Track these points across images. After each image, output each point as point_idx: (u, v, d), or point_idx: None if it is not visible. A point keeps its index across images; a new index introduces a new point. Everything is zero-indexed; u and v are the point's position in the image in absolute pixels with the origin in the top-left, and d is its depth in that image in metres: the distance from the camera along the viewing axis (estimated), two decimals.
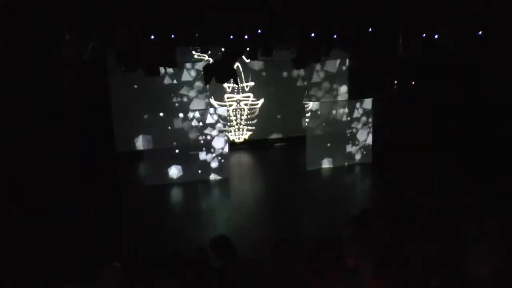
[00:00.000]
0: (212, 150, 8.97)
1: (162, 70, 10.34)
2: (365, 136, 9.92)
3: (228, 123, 11.29)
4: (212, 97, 11.20)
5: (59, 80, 7.90)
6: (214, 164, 9.01)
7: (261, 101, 11.76)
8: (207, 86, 10.85)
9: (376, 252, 3.39)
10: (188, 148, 8.80)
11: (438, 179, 8.14)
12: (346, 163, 9.76)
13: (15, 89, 8.11)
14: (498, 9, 7.78)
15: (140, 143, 8.46)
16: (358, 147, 9.93)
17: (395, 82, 11.46)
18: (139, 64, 8.04)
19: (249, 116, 11.76)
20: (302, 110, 9.53)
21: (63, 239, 5.90)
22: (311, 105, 9.54)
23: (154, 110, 9.11)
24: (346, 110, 9.70)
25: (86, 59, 7.17)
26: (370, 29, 8.35)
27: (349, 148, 9.84)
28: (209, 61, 10.35)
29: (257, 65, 11.58)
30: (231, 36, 7.78)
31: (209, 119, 8.94)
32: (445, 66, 9.81)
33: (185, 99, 11.04)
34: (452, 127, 10.18)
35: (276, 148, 11.83)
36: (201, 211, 7.46)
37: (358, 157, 9.94)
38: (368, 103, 9.80)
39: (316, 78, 12.21)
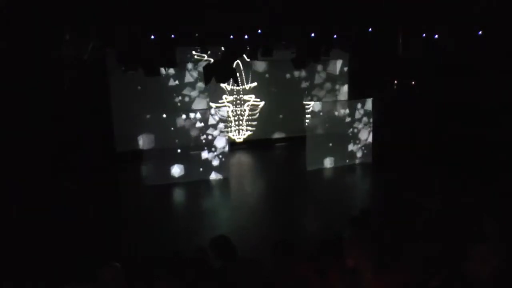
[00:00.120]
0: (213, 149, 8.97)
1: (163, 71, 10.41)
2: (365, 136, 9.92)
3: (228, 124, 11.30)
4: (208, 98, 11.20)
5: (59, 80, 7.90)
6: (214, 164, 9.01)
7: (262, 102, 11.76)
8: (208, 87, 10.88)
9: (376, 252, 3.39)
10: (188, 148, 8.79)
11: (438, 179, 8.14)
12: (346, 163, 9.76)
13: (15, 89, 8.13)
14: (498, 9, 7.78)
15: (142, 142, 8.44)
16: (358, 147, 9.92)
17: (395, 82, 11.48)
18: (139, 64, 8.04)
19: (249, 117, 11.76)
20: (303, 110, 9.52)
21: (63, 239, 5.90)
22: (312, 105, 9.54)
23: (155, 110, 9.11)
24: (346, 110, 9.69)
25: (86, 59, 7.16)
26: (370, 29, 8.35)
27: (349, 148, 9.84)
28: (209, 61, 10.35)
29: (261, 67, 11.59)
30: (231, 36, 7.78)
31: (210, 119, 8.94)
32: (445, 66, 9.82)
33: (186, 99, 11.04)
34: (452, 127, 10.19)
35: (277, 147, 11.83)
36: (201, 211, 7.45)
37: (358, 157, 9.93)
38: (368, 103, 9.80)
39: (318, 79, 12.21)
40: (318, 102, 9.67)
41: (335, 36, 8.39)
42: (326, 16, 7.67)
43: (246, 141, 11.76)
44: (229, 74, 8.31)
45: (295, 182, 8.90)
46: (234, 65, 8.48)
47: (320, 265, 3.28)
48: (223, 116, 9.05)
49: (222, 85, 11.19)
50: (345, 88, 12.44)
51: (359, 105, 9.79)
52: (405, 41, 8.64)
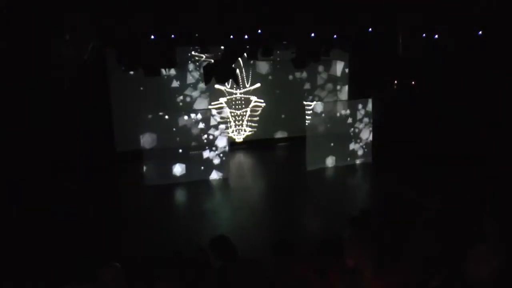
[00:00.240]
0: (214, 149, 8.97)
1: (165, 72, 10.42)
2: (365, 136, 9.92)
3: (228, 124, 11.30)
4: (209, 98, 11.20)
5: (59, 80, 7.90)
6: (215, 164, 9.01)
7: (263, 104, 11.78)
8: (208, 87, 10.90)
9: (376, 252, 3.39)
10: (189, 148, 8.79)
11: (438, 179, 8.14)
12: (346, 163, 9.76)
13: (15, 89, 8.13)
14: (498, 9, 7.78)
15: (144, 140, 8.44)
16: (358, 147, 9.92)
17: (395, 82, 11.47)
18: (139, 64, 8.04)
19: (250, 118, 11.77)
20: (304, 110, 9.52)
21: (63, 239, 5.90)
22: (312, 105, 9.54)
23: (155, 109, 9.10)
24: (346, 110, 9.69)
25: (86, 59, 7.16)
26: (370, 29, 8.35)
27: (349, 148, 9.84)
28: (209, 61, 10.35)
29: (264, 68, 11.60)
30: (231, 36, 7.78)
31: (211, 119, 8.96)
32: (445, 66, 9.81)
33: (188, 99, 11.04)
34: (452, 127, 10.18)
35: (278, 147, 11.82)
36: (201, 211, 7.45)
37: (358, 157, 9.93)
38: (368, 103, 9.80)
39: (319, 80, 12.22)
40: (319, 103, 9.66)
41: (335, 36, 8.39)
42: (326, 16, 7.67)
43: (247, 141, 11.76)
44: (229, 74, 8.31)
45: (295, 182, 8.90)
46: (234, 65, 8.49)
47: (320, 265, 3.28)
48: (224, 118, 9.06)
49: (222, 87, 11.20)
50: (346, 88, 12.44)
51: (359, 105, 9.79)
52: (405, 41, 8.64)
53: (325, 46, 8.54)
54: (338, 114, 9.66)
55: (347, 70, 12.31)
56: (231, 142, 11.19)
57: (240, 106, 11.61)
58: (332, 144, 9.62)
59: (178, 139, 8.71)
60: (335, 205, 7.40)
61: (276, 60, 11.40)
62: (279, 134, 12.08)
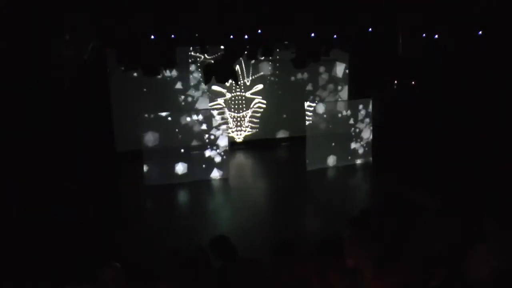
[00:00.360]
0: (213, 149, 8.97)
1: (167, 73, 10.45)
2: (365, 136, 9.92)
3: (229, 124, 11.31)
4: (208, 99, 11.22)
5: (59, 80, 7.90)
6: (214, 164, 9.01)
7: (265, 105, 11.80)
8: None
9: (376, 252, 3.39)
10: (189, 147, 8.80)
11: (438, 179, 8.14)
12: (346, 163, 9.76)
13: (15, 89, 8.12)
14: (498, 9, 7.78)
15: (147, 139, 8.45)
16: (358, 147, 9.93)
17: (395, 82, 11.47)
18: (139, 64, 8.04)
19: (251, 119, 11.77)
20: (303, 110, 9.52)
21: (63, 239, 5.90)
22: (312, 105, 9.55)
23: (156, 109, 9.11)
24: (347, 110, 9.70)
25: (86, 59, 7.16)
26: (370, 29, 8.35)
27: (349, 148, 9.84)
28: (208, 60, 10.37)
29: (266, 70, 11.62)
30: (231, 36, 7.78)
31: (212, 119, 8.98)
32: (445, 66, 9.81)
33: (189, 99, 11.04)
34: (452, 127, 10.18)
35: (278, 147, 11.81)
36: (201, 211, 7.46)
37: (358, 157, 9.93)
38: (368, 103, 9.80)
39: (320, 81, 12.22)
40: (321, 104, 9.64)
41: (335, 36, 8.38)
42: (326, 16, 7.67)
43: (247, 141, 11.77)
44: (229, 74, 8.30)
45: (295, 182, 8.90)
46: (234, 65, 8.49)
47: (320, 265, 3.28)
48: (225, 118, 9.08)
49: (220, 89, 11.21)
50: (346, 88, 12.45)
51: (359, 105, 9.79)
52: (405, 41, 8.64)
53: (325, 46, 8.54)
54: (338, 114, 9.66)
55: (347, 71, 12.32)
56: (232, 142, 11.20)
57: (241, 106, 11.61)
58: (332, 144, 9.62)
59: (179, 138, 8.72)
60: (335, 205, 7.40)
61: (276, 60, 11.41)
62: (281, 134, 12.09)
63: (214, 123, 8.93)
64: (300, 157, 9.46)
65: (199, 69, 10.73)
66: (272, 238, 3.77)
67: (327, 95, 12.25)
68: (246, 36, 7.89)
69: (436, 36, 8.78)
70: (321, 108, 9.44)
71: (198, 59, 10.80)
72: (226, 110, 10.61)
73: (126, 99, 10.15)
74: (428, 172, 8.66)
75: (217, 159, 8.99)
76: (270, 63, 11.53)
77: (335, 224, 5.78)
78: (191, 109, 10.52)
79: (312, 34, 8.08)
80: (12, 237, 5.92)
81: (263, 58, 9.29)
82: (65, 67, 7.61)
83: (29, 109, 8.51)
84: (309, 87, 12.11)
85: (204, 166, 8.92)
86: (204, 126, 8.86)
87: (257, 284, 3.25)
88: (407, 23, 8.32)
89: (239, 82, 11.17)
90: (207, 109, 10.23)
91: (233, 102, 11.56)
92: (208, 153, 8.94)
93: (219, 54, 9.63)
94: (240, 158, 11.03)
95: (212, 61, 9.89)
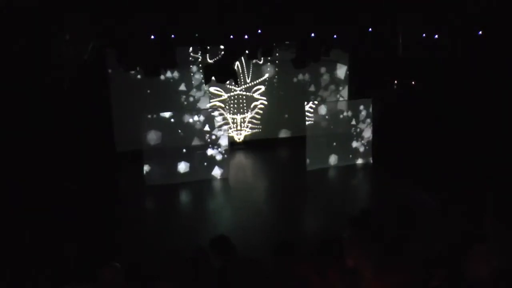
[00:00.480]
0: (213, 149, 8.97)
1: (169, 73, 10.46)
2: (365, 136, 9.92)
3: (229, 125, 11.32)
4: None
5: (59, 80, 7.90)
6: (214, 164, 9.01)
7: (262, 105, 11.82)
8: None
9: (376, 252, 3.39)
10: (190, 147, 8.80)
11: (438, 179, 8.14)
12: (346, 163, 9.75)
13: (15, 89, 8.13)
14: (498, 9, 7.78)
15: (150, 137, 8.46)
16: (358, 147, 9.92)
17: (395, 82, 11.46)
18: (139, 64, 8.05)
19: (252, 120, 11.79)
20: (303, 110, 9.52)
21: (63, 239, 5.90)
22: (312, 105, 9.55)
23: (155, 109, 9.11)
24: (347, 110, 9.70)
25: (86, 59, 7.17)
26: (370, 29, 8.35)
27: (349, 148, 9.84)
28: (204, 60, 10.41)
29: (269, 72, 11.65)
30: (231, 36, 7.78)
31: (212, 119, 8.98)
32: (445, 66, 9.81)
33: (191, 99, 11.04)
34: (452, 127, 10.18)
35: (278, 147, 11.79)
36: (202, 211, 7.46)
37: (358, 157, 9.93)
38: (368, 103, 9.80)
39: (322, 81, 12.24)
40: (323, 105, 9.63)
41: (335, 36, 8.38)
42: (326, 16, 7.67)
43: (248, 140, 11.77)
44: (229, 74, 8.31)
45: (295, 182, 8.90)
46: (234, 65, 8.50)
47: (320, 265, 3.28)
48: (225, 119, 9.10)
49: (219, 92, 11.22)
50: (346, 88, 12.46)
51: (359, 105, 9.79)
52: (405, 41, 8.64)
53: (325, 46, 8.54)
54: (338, 114, 9.66)
55: (348, 73, 12.34)
56: (232, 142, 11.21)
57: (241, 107, 11.61)
58: (333, 144, 9.62)
59: (180, 138, 8.72)
60: (335, 205, 7.40)
61: (278, 61, 11.44)
62: (282, 134, 12.10)
63: (216, 124, 8.94)
64: (301, 157, 9.45)
65: (201, 70, 10.74)
66: (272, 238, 3.78)
67: (329, 95, 12.26)
68: (246, 36, 7.89)
69: (436, 36, 8.78)
70: (323, 110, 9.45)
71: (198, 59, 10.80)
72: (225, 111, 10.63)
73: (126, 99, 10.14)
74: (428, 172, 8.66)
75: (218, 157, 9.00)
76: (271, 64, 11.56)
77: (335, 224, 5.78)
78: (192, 109, 10.52)
79: (312, 34, 8.09)
80: (12, 237, 5.92)
81: (261, 59, 9.29)
82: (65, 67, 7.61)
83: (29, 109, 8.51)
84: (310, 87, 12.13)
85: (205, 164, 8.92)
86: (205, 126, 8.87)
87: (257, 284, 3.25)
88: (407, 23, 8.32)
89: (239, 83, 11.16)
90: (209, 109, 10.24)
91: (233, 103, 11.55)
92: (209, 151, 8.94)
93: (220, 54, 9.63)
94: (241, 158, 11.03)
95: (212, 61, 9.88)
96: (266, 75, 11.67)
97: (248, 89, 11.61)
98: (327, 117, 9.51)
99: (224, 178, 9.01)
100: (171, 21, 7.15)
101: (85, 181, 8.47)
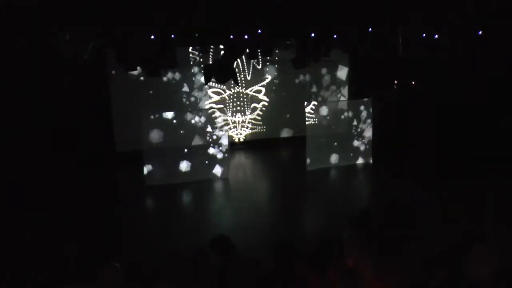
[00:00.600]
0: (212, 150, 8.97)
1: (170, 75, 10.46)
2: (365, 137, 9.92)
3: (229, 124, 11.32)
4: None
5: (59, 80, 7.90)
6: (214, 164, 9.01)
7: (260, 105, 11.82)
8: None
9: (376, 252, 3.39)
10: (191, 146, 8.80)
11: (439, 179, 8.14)
12: (346, 163, 9.75)
13: (15, 89, 8.13)
14: (498, 9, 7.78)
15: (152, 136, 8.46)
16: (358, 147, 9.92)
17: (395, 82, 11.47)
18: (139, 64, 8.05)
19: (252, 121, 11.79)
20: (303, 110, 9.52)
21: (63, 239, 5.90)
22: (312, 105, 9.55)
23: (156, 109, 9.11)
24: (347, 110, 9.70)
25: (86, 59, 7.17)
26: (370, 29, 8.35)
27: (349, 148, 9.84)
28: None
29: (272, 73, 11.67)
30: (231, 36, 7.78)
31: (212, 119, 8.98)
32: (445, 66, 9.81)
33: (192, 99, 11.05)
34: (452, 127, 10.18)
35: (279, 147, 11.79)
36: (202, 211, 7.46)
37: (358, 157, 9.93)
38: (368, 103, 9.80)
39: (324, 83, 12.25)
40: (324, 107, 9.63)
41: (335, 36, 8.39)
42: (326, 16, 7.67)
43: (249, 140, 11.78)
44: (229, 74, 8.31)
45: (295, 182, 8.90)
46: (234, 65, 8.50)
47: (320, 265, 3.28)
48: (226, 120, 9.10)
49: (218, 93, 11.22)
50: (346, 88, 12.47)
51: (359, 105, 9.79)
52: (405, 41, 8.64)
53: (325, 46, 8.54)
54: (338, 114, 9.66)
55: (349, 73, 12.37)
56: (233, 142, 11.22)
57: (242, 105, 11.61)
58: (333, 144, 9.62)
59: (182, 137, 8.72)
60: (335, 205, 7.40)
61: (276, 63, 11.46)
62: (284, 134, 12.11)
63: (217, 124, 8.95)
64: (302, 157, 9.45)
65: (202, 71, 10.76)
66: (272, 238, 3.77)
67: (330, 95, 12.28)
68: (246, 36, 7.89)
69: (436, 36, 8.78)
70: (323, 110, 9.44)
71: (197, 60, 10.80)
72: (226, 110, 10.63)
73: (126, 99, 10.14)
74: (428, 172, 8.66)
75: (219, 155, 9.00)
76: (272, 65, 11.58)
77: (335, 224, 5.78)
78: (193, 109, 10.53)
79: (312, 34, 8.09)
80: (12, 237, 5.92)
81: (260, 64, 9.29)
82: (65, 67, 7.62)
83: (29, 109, 8.51)
84: (312, 88, 12.16)
85: (207, 162, 8.92)
86: (206, 125, 8.87)
87: (257, 284, 3.25)
88: (407, 23, 8.33)
89: (238, 82, 11.17)
90: (210, 109, 10.25)
91: (233, 102, 11.55)
92: (210, 150, 8.95)
93: (221, 54, 9.64)
94: (241, 158, 11.04)
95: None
96: (268, 78, 11.69)
97: (248, 88, 11.62)
98: (328, 117, 9.51)
99: (224, 178, 9.01)
100: (171, 21, 7.15)
101: (84, 181, 8.47)
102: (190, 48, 10.71)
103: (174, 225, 6.78)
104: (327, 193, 8.26)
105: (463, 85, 9.77)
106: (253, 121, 11.78)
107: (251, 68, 11.51)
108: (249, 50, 8.33)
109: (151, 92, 10.52)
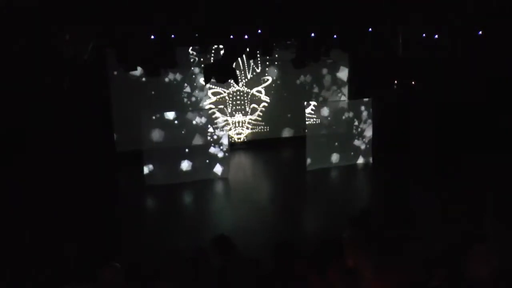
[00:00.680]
0: (212, 149, 8.97)
1: (168, 74, 10.46)
2: (365, 137, 9.92)
3: (229, 124, 11.32)
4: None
5: (59, 80, 7.91)
6: (214, 164, 9.01)
7: (261, 106, 11.83)
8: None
9: (376, 252, 3.39)
10: (192, 146, 8.81)
11: (438, 179, 8.14)
12: (346, 163, 9.75)
13: (15, 89, 8.14)
14: (498, 9, 7.78)
15: (154, 135, 8.47)
16: (358, 147, 9.92)
17: (395, 82, 11.48)
18: (139, 64, 8.04)
19: (253, 120, 11.79)
20: (304, 110, 9.52)
21: (63, 239, 5.90)
22: (312, 105, 9.55)
23: (156, 108, 9.12)
24: (347, 110, 9.70)
25: (86, 59, 7.17)
26: (370, 29, 8.35)
27: (349, 148, 9.84)
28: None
29: (273, 74, 11.68)
30: (231, 36, 7.78)
31: (212, 119, 8.99)
32: (445, 66, 9.82)
33: (193, 99, 11.05)
34: (452, 127, 10.19)
35: (279, 147, 11.80)
36: (202, 211, 7.46)
37: (358, 157, 9.93)
38: (368, 103, 9.80)
39: (323, 82, 12.26)
40: (325, 108, 9.61)
41: (335, 36, 8.39)
42: (326, 16, 7.67)
43: (250, 140, 11.78)
44: (229, 74, 8.31)
45: (295, 182, 8.90)
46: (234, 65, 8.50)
47: (320, 265, 3.28)
48: (226, 120, 9.10)
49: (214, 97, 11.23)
50: (346, 88, 12.47)
51: (359, 105, 9.79)
52: (405, 41, 8.64)
53: (325, 46, 8.54)
54: (338, 114, 9.65)
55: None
56: (234, 142, 11.22)
57: (243, 104, 11.61)
58: (332, 144, 9.62)
59: (182, 137, 8.72)
60: (335, 205, 7.40)
61: (276, 62, 11.46)
62: (285, 133, 12.12)
63: (217, 124, 8.96)
64: (302, 157, 9.45)
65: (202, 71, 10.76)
66: (272, 238, 3.77)
67: (330, 95, 12.29)
68: (246, 36, 7.90)
69: (436, 36, 8.79)
70: (326, 112, 9.45)
71: (195, 60, 10.81)
72: (226, 109, 10.63)
73: (126, 99, 10.14)
74: (428, 172, 8.66)
75: (220, 154, 9.01)
76: (273, 66, 11.59)
77: (335, 224, 5.78)
78: (194, 108, 10.53)
79: (312, 34, 8.09)
80: (12, 237, 5.92)
81: (259, 68, 9.29)
82: (65, 67, 7.62)
83: (29, 109, 8.52)
84: (314, 89, 12.17)
85: (207, 161, 8.92)
86: (207, 125, 8.87)
87: (257, 284, 3.25)
88: (407, 23, 8.33)
89: (239, 82, 11.17)
90: (210, 108, 10.25)
91: (234, 103, 11.55)
92: (210, 150, 8.95)
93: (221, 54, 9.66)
94: (241, 158, 11.04)
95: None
96: (269, 80, 11.71)
97: (249, 89, 11.63)
98: (328, 118, 9.51)
99: (224, 178, 9.01)
100: (171, 21, 7.15)
101: (84, 181, 8.47)
102: (190, 48, 10.71)
103: (174, 225, 6.78)
104: (327, 193, 8.26)
105: (463, 85, 9.78)
106: (253, 122, 11.78)
107: (251, 68, 11.51)
108: (249, 50, 8.33)
109: (153, 92, 10.52)
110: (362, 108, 9.77)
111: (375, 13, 7.88)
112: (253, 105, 11.71)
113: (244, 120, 11.69)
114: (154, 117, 8.53)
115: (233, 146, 10.91)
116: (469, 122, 9.92)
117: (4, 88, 7.92)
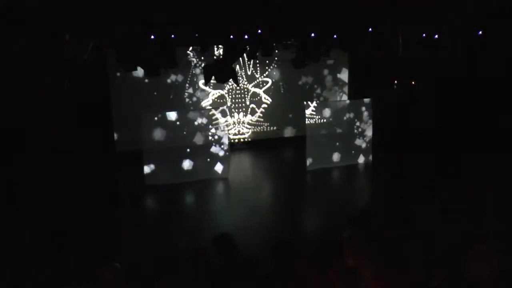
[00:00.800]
0: (212, 149, 8.97)
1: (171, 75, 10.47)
2: (364, 136, 9.91)
3: (229, 124, 11.32)
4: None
5: (59, 80, 7.91)
6: (214, 164, 9.00)
7: (261, 108, 11.84)
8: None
9: (376, 252, 3.39)
10: (192, 146, 8.80)
11: (439, 179, 8.14)
12: (346, 163, 9.75)
13: (15, 89, 8.14)
14: (498, 9, 7.78)
15: (155, 134, 8.46)
16: (357, 147, 9.91)
17: (395, 82, 11.48)
18: (139, 64, 8.05)
19: (253, 120, 11.79)
20: (303, 110, 9.52)
21: (63, 239, 5.90)
22: (312, 105, 9.54)
23: (156, 108, 9.12)
24: (347, 110, 9.69)
25: (86, 59, 7.17)
26: (370, 29, 8.35)
27: (349, 148, 9.83)
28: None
29: (275, 75, 11.70)
30: (231, 36, 7.78)
31: (213, 118, 8.99)
32: (445, 66, 9.82)
33: (194, 99, 11.05)
34: (452, 127, 10.19)
35: (279, 147, 11.79)
36: (202, 211, 7.45)
37: (358, 157, 9.92)
38: (368, 103, 9.80)
39: (327, 83, 12.27)
40: (327, 109, 9.61)
41: (335, 36, 8.39)
42: (326, 16, 7.67)
43: (251, 140, 11.78)
44: (229, 74, 8.31)
45: (296, 182, 8.90)
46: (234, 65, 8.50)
47: (320, 265, 3.28)
48: (226, 121, 9.10)
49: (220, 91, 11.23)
50: (346, 88, 12.47)
51: (359, 105, 9.78)
52: (405, 41, 8.64)
53: (325, 46, 8.54)
54: (338, 114, 9.65)
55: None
56: (234, 142, 11.21)
57: (243, 104, 11.61)
58: (332, 144, 9.62)
59: (182, 137, 8.72)
60: (335, 205, 7.40)
61: (280, 63, 11.49)
62: (287, 133, 12.12)
63: (218, 123, 8.95)
64: (303, 157, 9.45)
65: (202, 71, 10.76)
66: (273, 238, 3.77)
67: (331, 95, 12.30)
68: (246, 36, 7.90)
69: (436, 36, 8.79)
70: (327, 113, 9.45)
71: (194, 61, 10.82)
72: (226, 109, 10.62)
73: (126, 99, 10.14)
74: (428, 172, 8.66)
75: (220, 153, 9.01)
76: (274, 67, 11.60)
77: (335, 224, 5.78)
78: (195, 108, 10.53)
79: (312, 34, 8.09)
80: (12, 237, 5.93)
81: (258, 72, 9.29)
82: (65, 67, 7.62)
83: (29, 109, 8.52)
84: (316, 90, 12.18)
85: (208, 160, 8.92)
86: (208, 125, 8.87)
87: (257, 284, 3.25)
88: (407, 23, 8.33)
89: (238, 82, 11.17)
90: (209, 109, 10.24)
91: (235, 103, 11.56)
92: (211, 149, 8.95)
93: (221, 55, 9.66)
94: (242, 157, 11.03)
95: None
96: (269, 82, 11.71)
97: (249, 88, 11.63)
98: (326, 117, 9.50)
99: (224, 177, 9.00)
100: (171, 21, 7.15)
101: (84, 181, 8.47)
102: (190, 48, 10.71)
103: (174, 225, 6.78)
104: (327, 193, 8.26)
105: (463, 85, 9.78)
106: (254, 123, 11.78)
107: (251, 67, 11.51)
108: (249, 50, 8.33)
109: (155, 93, 10.52)
110: (362, 108, 9.77)
111: (375, 13, 7.88)
112: (252, 105, 11.71)
113: (244, 120, 11.69)
114: (156, 118, 8.52)
115: (234, 146, 10.90)
116: (469, 122, 9.92)
117: (4, 88, 7.92)
